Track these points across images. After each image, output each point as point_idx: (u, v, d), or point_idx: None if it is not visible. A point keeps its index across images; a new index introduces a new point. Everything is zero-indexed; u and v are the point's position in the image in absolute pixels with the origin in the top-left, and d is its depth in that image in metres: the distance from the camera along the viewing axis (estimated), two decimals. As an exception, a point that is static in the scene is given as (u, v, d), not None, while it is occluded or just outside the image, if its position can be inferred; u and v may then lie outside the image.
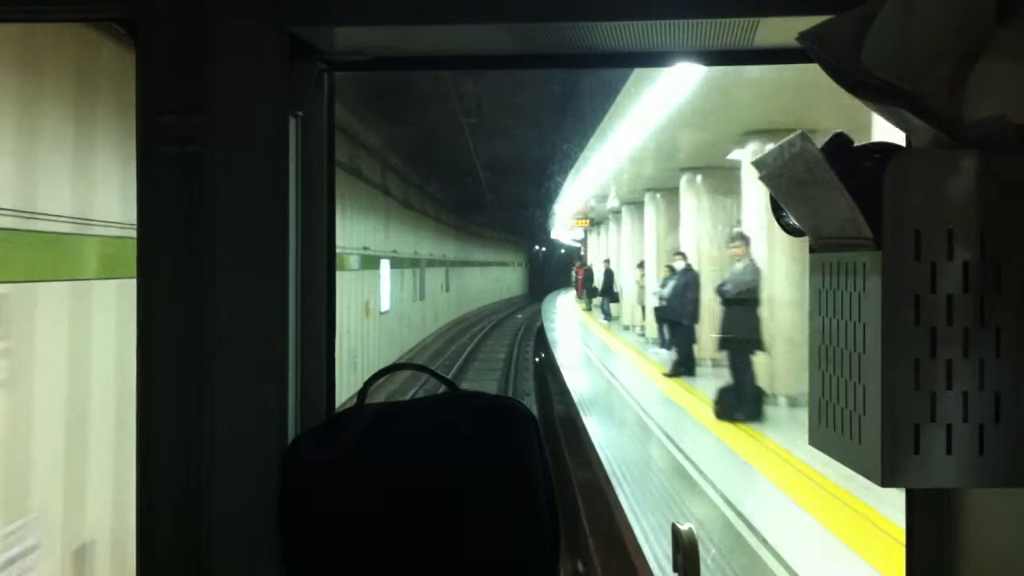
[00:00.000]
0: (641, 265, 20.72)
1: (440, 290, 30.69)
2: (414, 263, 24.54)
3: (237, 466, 1.37)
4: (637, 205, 21.57)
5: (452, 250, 35.75)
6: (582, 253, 48.62)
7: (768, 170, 1.22)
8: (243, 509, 1.37)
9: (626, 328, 23.47)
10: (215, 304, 1.38)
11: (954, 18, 1.08)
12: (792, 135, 1.11)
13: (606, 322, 25.98)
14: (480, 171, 31.55)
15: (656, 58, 1.56)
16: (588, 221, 31.97)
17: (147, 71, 1.42)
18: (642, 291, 20.37)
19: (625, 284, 23.71)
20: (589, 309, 31.64)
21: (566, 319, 30.32)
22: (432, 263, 28.51)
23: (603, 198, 25.25)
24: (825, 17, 1.15)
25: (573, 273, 53.05)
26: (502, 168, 32.54)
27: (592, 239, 37.46)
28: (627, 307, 24.11)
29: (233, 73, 1.38)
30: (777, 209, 1.27)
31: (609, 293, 27.22)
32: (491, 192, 37.30)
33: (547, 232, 55.11)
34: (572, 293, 48.03)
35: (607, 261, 28.42)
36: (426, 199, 28.69)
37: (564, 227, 40.49)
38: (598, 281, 30.79)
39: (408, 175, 24.55)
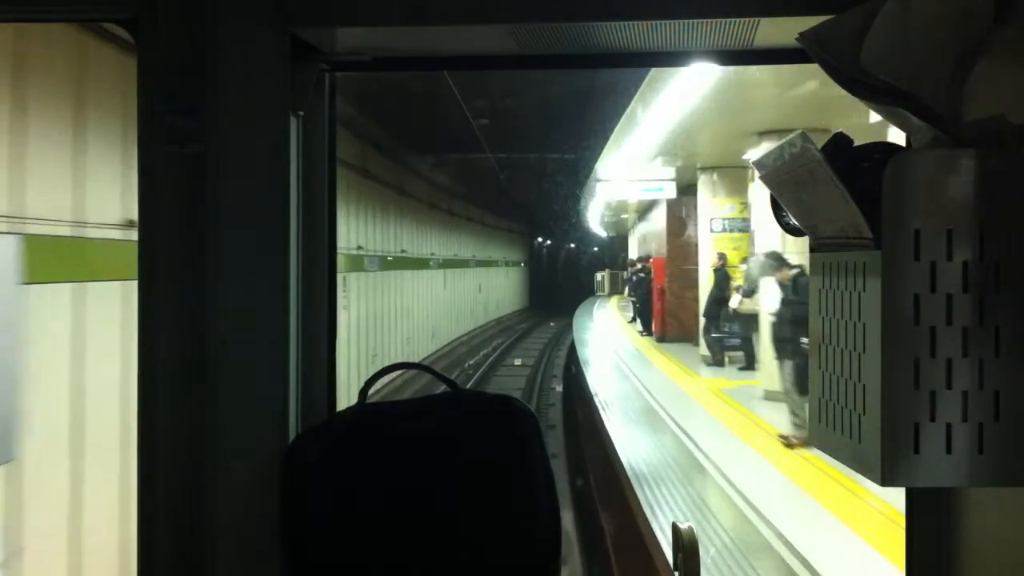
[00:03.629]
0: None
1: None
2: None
3: (238, 466, 1.37)
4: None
5: (364, 231, 16.35)
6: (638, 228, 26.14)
7: (768, 170, 1.22)
8: (244, 509, 1.37)
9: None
10: (215, 304, 1.38)
11: (953, 18, 1.08)
12: (792, 135, 1.11)
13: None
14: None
15: (656, 58, 1.56)
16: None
17: (148, 71, 1.42)
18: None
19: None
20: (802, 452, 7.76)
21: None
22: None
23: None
24: (825, 17, 1.15)
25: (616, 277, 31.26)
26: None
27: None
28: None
29: (234, 73, 1.38)
30: (777, 209, 1.28)
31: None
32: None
33: (558, 210, 36.87)
34: (606, 310, 28.41)
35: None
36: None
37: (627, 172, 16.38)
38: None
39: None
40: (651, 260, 19.96)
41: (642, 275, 20.77)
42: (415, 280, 21.18)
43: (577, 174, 24.56)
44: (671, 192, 16.88)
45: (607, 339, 19.85)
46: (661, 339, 17.86)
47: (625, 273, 29.48)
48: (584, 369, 14.38)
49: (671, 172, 16.38)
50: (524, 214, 45.14)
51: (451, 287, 26.45)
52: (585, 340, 19.58)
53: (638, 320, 21.31)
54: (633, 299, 22.88)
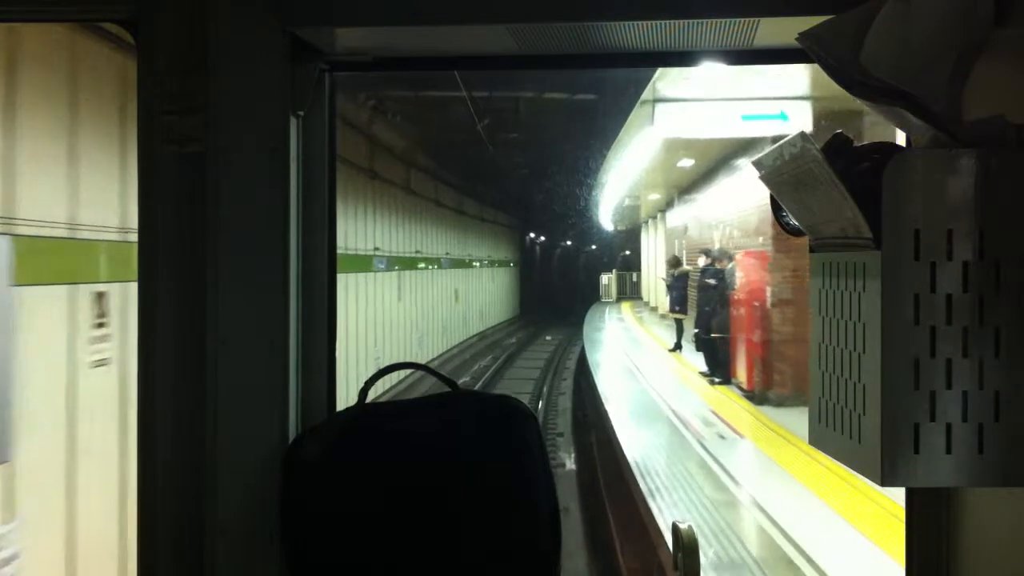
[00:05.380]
0: None
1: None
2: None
3: (238, 466, 1.37)
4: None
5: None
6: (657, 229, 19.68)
7: (768, 170, 1.22)
8: (244, 509, 1.37)
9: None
10: (215, 304, 1.38)
11: (953, 19, 1.08)
12: (792, 135, 1.11)
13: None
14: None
15: (656, 58, 1.57)
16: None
17: (148, 71, 1.42)
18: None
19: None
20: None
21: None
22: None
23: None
24: (825, 17, 1.15)
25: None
26: None
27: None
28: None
29: (234, 73, 1.38)
30: (777, 209, 1.27)
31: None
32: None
33: (557, 208, 29.52)
34: (623, 323, 22.55)
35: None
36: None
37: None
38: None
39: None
40: (737, 258, 12.13)
41: (711, 282, 12.77)
42: (347, 288, 13.64)
43: (591, 133, 16.95)
44: (802, 120, 9.04)
45: (651, 392, 11.51)
46: (760, 399, 10.06)
47: (634, 275, 21.36)
48: (652, 503, 6.64)
49: (804, 81, 8.34)
50: (517, 205, 36.76)
51: (411, 296, 19.20)
52: (609, 396, 11.13)
53: (683, 348, 14.43)
54: (679, 317, 15.46)
